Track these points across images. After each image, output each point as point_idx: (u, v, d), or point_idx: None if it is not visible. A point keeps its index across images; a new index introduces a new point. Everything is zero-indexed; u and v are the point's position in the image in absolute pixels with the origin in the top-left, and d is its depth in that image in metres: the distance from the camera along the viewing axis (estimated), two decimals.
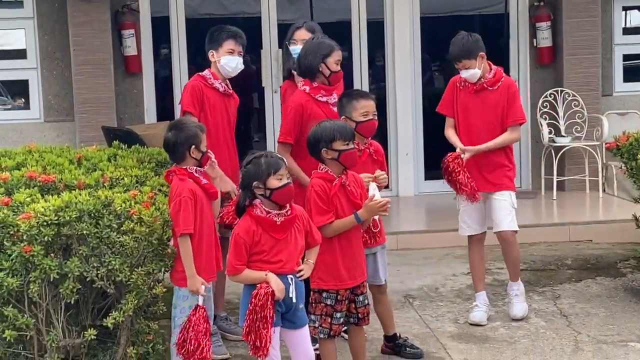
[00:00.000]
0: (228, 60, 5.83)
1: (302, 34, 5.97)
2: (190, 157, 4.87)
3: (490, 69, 6.10)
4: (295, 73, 5.88)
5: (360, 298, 4.99)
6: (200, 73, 5.92)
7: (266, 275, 4.49)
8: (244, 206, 4.56)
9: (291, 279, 4.56)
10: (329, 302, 4.88)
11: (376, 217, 5.13)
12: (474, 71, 6.01)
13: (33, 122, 9.72)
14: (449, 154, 6.04)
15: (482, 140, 6.03)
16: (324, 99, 5.58)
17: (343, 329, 5.10)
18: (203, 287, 4.76)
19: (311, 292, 4.93)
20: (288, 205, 4.56)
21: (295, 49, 5.88)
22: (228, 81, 5.96)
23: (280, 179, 4.48)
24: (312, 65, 5.57)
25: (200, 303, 4.74)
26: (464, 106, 6.11)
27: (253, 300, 4.47)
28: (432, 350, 5.71)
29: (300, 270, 4.61)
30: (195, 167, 4.88)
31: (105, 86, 9.35)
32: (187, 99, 5.77)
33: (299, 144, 5.45)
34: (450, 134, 6.18)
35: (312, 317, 4.91)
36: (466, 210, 6.18)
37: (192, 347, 4.63)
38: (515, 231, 6.16)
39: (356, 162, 4.95)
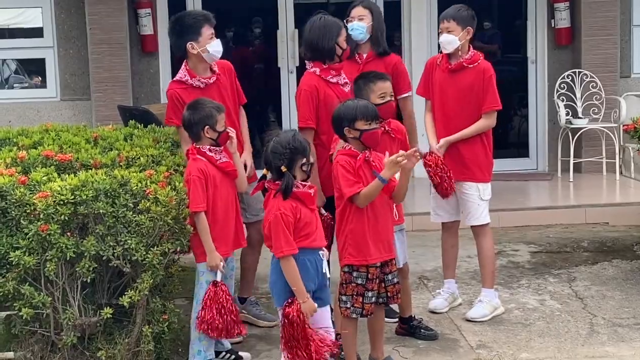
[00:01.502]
0: (215, 45, 5.45)
1: (360, 11, 5.91)
2: (205, 136, 4.95)
3: (469, 50, 5.94)
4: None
5: (390, 277, 4.98)
6: (174, 79, 5.57)
7: (308, 299, 4.48)
8: (290, 187, 4.51)
9: (322, 254, 4.60)
10: (359, 281, 4.87)
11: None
12: (453, 38, 5.81)
13: (50, 101, 9.75)
14: (427, 155, 5.87)
15: (458, 123, 5.86)
16: (335, 79, 5.56)
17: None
18: (222, 263, 4.85)
19: (341, 273, 4.91)
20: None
21: (353, 25, 5.83)
22: (214, 63, 5.56)
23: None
24: (328, 47, 5.54)
25: (219, 279, 4.84)
26: (439, 87, 5.94)
27: (285, 320, 4.52)
28: (447, 331, 5.71)
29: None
30: (208, 146, 4.93)
31: (122, 65, 9.38)
32: (170, 112, 5.50)
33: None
34: (428, 123, 6.03)
35: (344, 297, 4.89)
36: (436, 197, 6.02)
37: (213, 323, 4.76)
38: (486, 224, 6.00)
39: (378, 142, 4.92)
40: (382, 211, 4.89)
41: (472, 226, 6.05)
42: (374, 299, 4.91)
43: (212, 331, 4.85)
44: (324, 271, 4.57)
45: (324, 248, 4.66)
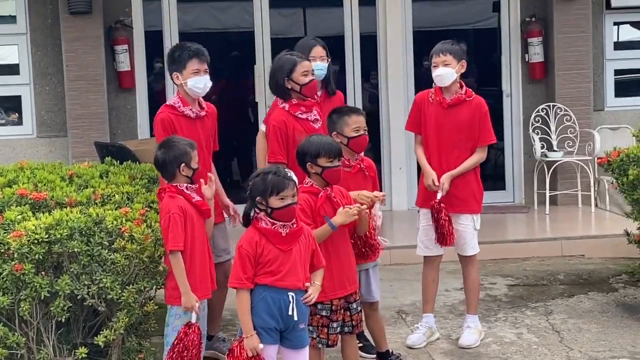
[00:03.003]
0: (196, 82, 5.42)
1: (321, 51, 5.93)
2: (180, 174, 4.85)
3: (462, 86, 6.00)
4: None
5: (354, 305, 5.01)
6: (168, 102, 5.57)
7: (251, 335, 4.42)
8: (250, 216, 4.55)
9: (292, 296, 4.50)
10: (324, 313, 4.89)
11: (373, 229, 5.15)
12: (451, 70, 5.85)
13: (26, 138, 9.72)
14: (436, 202, 5.89)
15: (453, 157, 5.93)
16: (304, 115, 5.54)
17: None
18: (197, 304, 4.73)
19: None
20: (294, 219, 4.55)
21: (316, 65, 5.82)
22: (201, 98, 5.59)
23: (283, 200, 4.44)
24: (279, 84, 5.56)
25: (194, 320, 4.73)
26: (434, 122, 5.97)
27: (228, 352, 4.50)
28: None
29: (306, 290, 4.55)
30: (186, 185, 4.86)
31: (98, 102, 9.36)
32: (161, 134, 5.36)
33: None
34: (421, 159, 6.06)
35: (310, 328, 4.89)
36: (425, 230, 6.05)
37: None
38: (477, 253, 6.12)
39: (339, 179, 4.96)
40: (342, 246, 4.93)
41: (463, 256, 6.10)
42: (339, 329, 4.94)
43: None
44: (289, 313, 4.48)
45: (299, 290, 4.54)
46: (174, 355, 4.65)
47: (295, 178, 4.54)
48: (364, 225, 5.03)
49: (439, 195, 5.86)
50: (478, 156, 6.00)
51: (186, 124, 5.41)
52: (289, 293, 4.49)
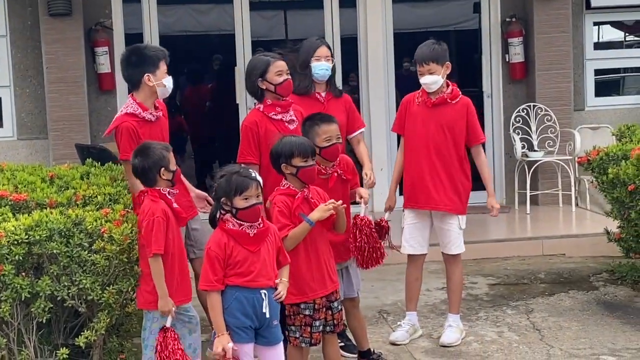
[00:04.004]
0: (169, 81, 5.44)
1: (326, 51, 5.93)
2: (161, 179, 4.83)
3: (448, 85, 6.04)
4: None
5: (335, 304, 5.04)
6: (126, 111, 5.37)
7: (222, 334, 4.43)
8: (216, 218, 4.56)
9: (264, 294, 4.53)
10: (307, 312, 4.91)
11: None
12: (437, 78, 5.90)
13: (6, 140, 9.68)
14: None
15: (435, 158, 5.93)
16: (279, 116, 5.52)
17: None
18: (174, 309, 4.70)
19: (287, 305, 4.93)
20: (260, 219, 4.56)
21: (321, 64, 5.85)
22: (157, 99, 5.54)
23: (247, 199, 4.46)
24: (253, 85, 5.57)
25: (168, 324, 4.69)
26: (419, 121, 5.99)
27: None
28: None
29: (276, 288, 4.59)
30: (168, 189, 4.83)
31: (79, 104, 9.34)
32: (125, 146, 5.26)
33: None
34: (396, 167, 6.15)
35: (293, 328, 4.93)
36: (410, 229, 6.11)
37: None
38: (461, 252, 6.15)
39: (314, 178, 4.98)
40: (322, 247, 4.95)
41: (447, 255, 6.12)
42: (321, 327, 4.96)
43: None
44: (263, 311, 4.51)
45: (270, 287, 4.57)
46: None
47: (259, 178, 4.54)
48: (342, 222, 5.05)
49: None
50: (481, 158, 6.11)
51: (147, 129, 5.35)
52: (261, 291, 4.52)
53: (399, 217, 6.25)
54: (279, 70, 5.53)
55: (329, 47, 5.98)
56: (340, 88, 6.12)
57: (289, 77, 5.58)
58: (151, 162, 4.81)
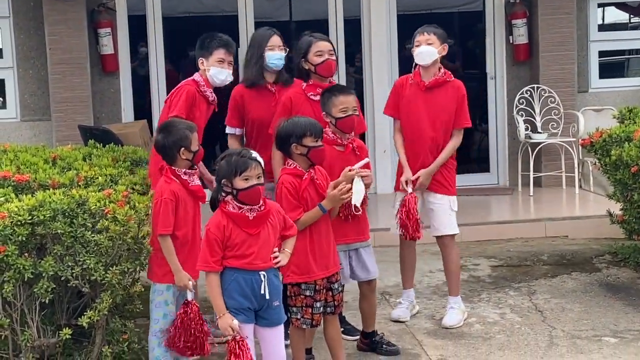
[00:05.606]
0: (217, 72, 5.69)
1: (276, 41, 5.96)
2: (181, 158, 4.87)
3: (440, 70, 6.03)
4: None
5: (336, 285, 5.05)
6: (194, 78, 5.73)
7: (223, 315, 4.43)
8: (217, 200, 4.56)
9: (263, 275, 4.51)
10: (308, 293, 4.93)
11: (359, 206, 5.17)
12: (433, 50, 5.89)
13: (9, 122, 9.69)
14: (409, 196, 5.89)
15: (430, 139, 5.95)
16: (317, 97, 5.56)
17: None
18: (190, 282, 4.79)
19: (289, 286, 4.94)
20: (261, 201, 4.56)
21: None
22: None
23: (247, 180, 4.43)
24: (297, 65, 5.71)
25: (190, 298, 4.79)
26: (413, 104, 6.00)
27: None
28: (408, 346, 5.74)
29: (276, 258, 4.57)
30: (184, 170, 4.87)
31: (82, 85, 9.34)
32: (182, 104, 5.56)
33: None
34: (399, 147, 6.10)
35: (294, 309, 4.95)
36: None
37: (181, 343, 4.73)
38: (455, 234, 6.13)
39: (324, 159, 4.99)
40: (324, 228, 4.97)
41: (440, 237, 6.11)
42: (322, 308, 4.98)
43: (178, 350, 4.82)
44: (262, 292, 4.49)
45: (270, 268, 4.56)
46: (178, 335, 4.73)
47: (260, 159, 4.52)
48: (337, 209, 5.09)
49: (409, 190, 5.89)
50: (454, 141, 6.03)
51: (203, 104, 5.68)
52: (260, 272, 4.51)
53: (390, 200, 6.23)
54: (319, 50, 5.64)
55: (280, 37, 5.99)
56: (292, 75, 6.03)
57: (331, 57, 5.66)
58: (172, 140, 4.87)
